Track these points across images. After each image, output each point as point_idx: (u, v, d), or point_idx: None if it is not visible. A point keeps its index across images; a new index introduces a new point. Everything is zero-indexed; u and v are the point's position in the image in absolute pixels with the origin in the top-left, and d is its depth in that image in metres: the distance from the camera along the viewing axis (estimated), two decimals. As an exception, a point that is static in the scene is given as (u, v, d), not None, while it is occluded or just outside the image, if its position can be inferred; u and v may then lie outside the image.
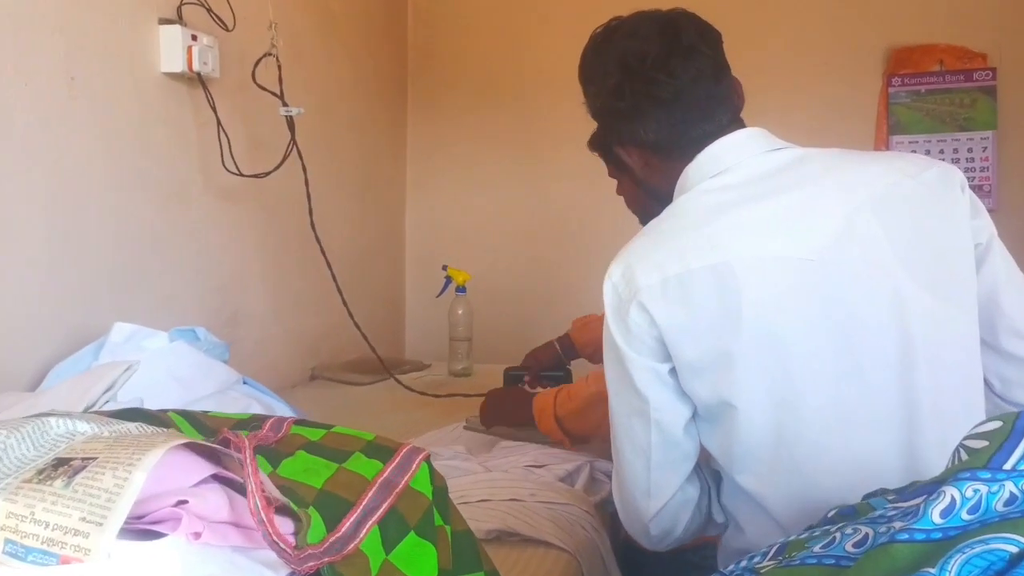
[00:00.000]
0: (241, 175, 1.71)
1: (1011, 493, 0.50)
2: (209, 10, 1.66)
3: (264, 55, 1.72)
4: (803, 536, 0.61)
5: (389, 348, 2.08)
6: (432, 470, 0.69)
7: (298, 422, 0.73)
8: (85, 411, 0.89)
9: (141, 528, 0.46)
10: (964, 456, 0.54)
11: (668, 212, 0.96)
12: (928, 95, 2.34)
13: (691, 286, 0.87)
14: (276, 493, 0.54)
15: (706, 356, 0.87)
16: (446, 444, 1.45)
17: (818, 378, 0.86)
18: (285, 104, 1.74)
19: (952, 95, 2.32)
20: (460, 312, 2.13)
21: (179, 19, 1.61)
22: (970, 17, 2.32)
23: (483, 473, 1.26)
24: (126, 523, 0.44)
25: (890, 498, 0.63)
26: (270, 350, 1.98)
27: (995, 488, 0.50)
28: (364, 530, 0.59)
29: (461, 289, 2.13)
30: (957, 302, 0.88)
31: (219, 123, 1.68)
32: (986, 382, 0.91)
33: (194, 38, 1.61)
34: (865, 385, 0.86)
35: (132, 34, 1.54)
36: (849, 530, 0.56)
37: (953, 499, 0.50)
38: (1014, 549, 0.47)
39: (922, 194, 0.89)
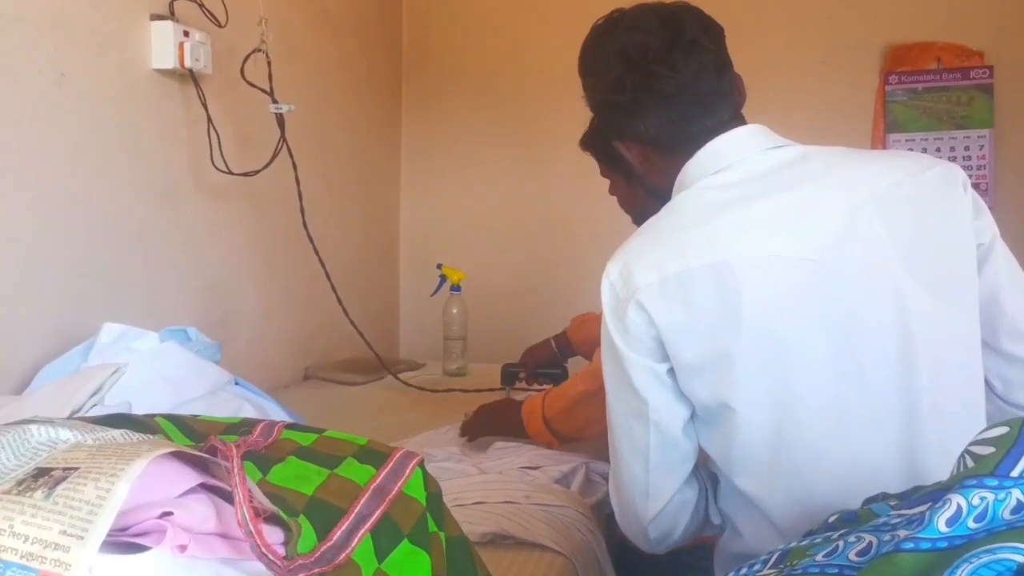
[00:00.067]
0: (231, 173, 1.69)
1: (1018, 501, 0.49)
2: (201, 6, 1.65)
3: (253, 51, 1.70)
4: (804, 543, 0.60)
5: (383, 347, 2.07)
6: (426, 475, 0.67)
7: (289, 426, 0.72)
8: (71, 416, 0.88)
9: (124, 541, 0.45)
10: (969, 462, 0.52)
11: (667, 210, 0.94)
12: (925, 93, 2.34)
13: (690, 285, 0.85)
14: (265, 502, 0.52)
15: (705, 356, 0.86)
16: (440, 445, 1.44)
17: (818, 379, 0.85)
18: (275, 101, 1.73)
19: (949, 93, 2.32)
20: (455, 311, 2.11)
21: (171, 15, 1.60)
22: (968, 15, 2.31)
23: (477, 475, 1.25)
24: (109, 536, 0.42)
25: (892, 504, 0.62)
26: (262, 350, 1.97)
27: (1002, 496, 0.49)
28: (356, 538, 0.58)
29: (456, 288, 2.12)
30: (959, 302, 0.87)
31: (210, 120, 1.67)
32: (987, 384, 0.90)
33: (186, 34, 1.60)
34: (865, 385, 0.85)
35: (123, 30, 1.52)
36: (852, 538, 0.55)
37: (959, 507, 0.49)
38: (1022, 559, 0.46)
39: (924, 193, 0.88)
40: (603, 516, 1.22)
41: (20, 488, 0.44)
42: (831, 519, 0.66)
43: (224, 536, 0.49)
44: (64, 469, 0.44)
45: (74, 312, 1.41)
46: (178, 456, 0.50)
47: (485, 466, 1.31)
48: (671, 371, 0.90)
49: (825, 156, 0.92)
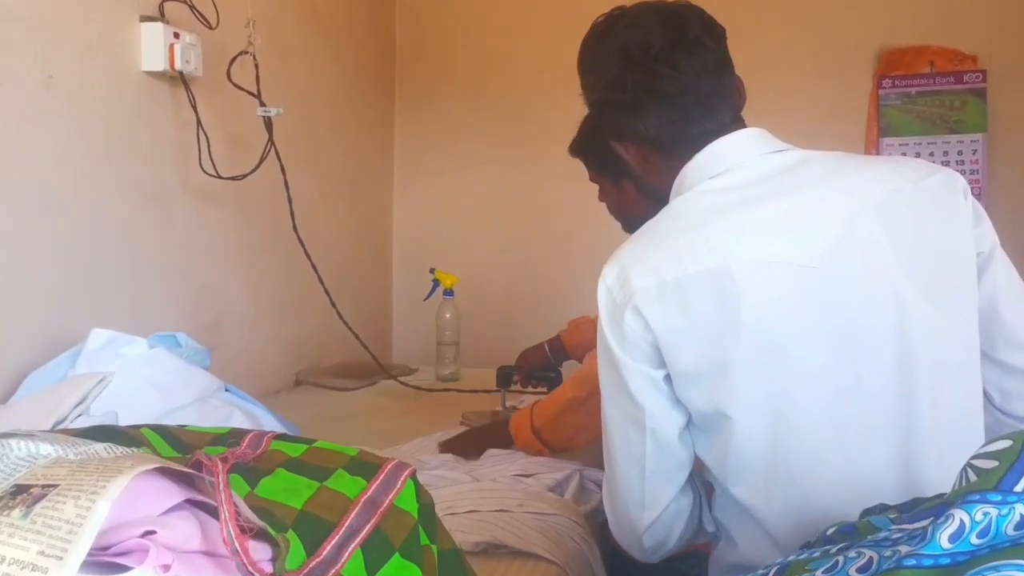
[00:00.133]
0: (219, 177, 1.68)
1: (1022, 516, 0.48)
2: (192, 7, 1.63)
3: (239, 54, 1.68)
4: (803, 557, 0.59)
5: (376, 352, 2.05)
6: (418, 487, 0.66)
7: (278, 437, 0.71)
8: (55, 427, 0.86)
9: (105, 561, 0.43)
10: (972, 476, 0.51)
11: (664, 213, 0.93)
12: (919, 97, 2.34)
13: (688, 290, 0.84)
14: (252, 517, 0.51)
15: (702, 363, 0.85)
16: (433, 452, 1.43)
17: (816, 385, 0.84)
18: (263, 104, 1.71)
19: (943, 97, 2.32)
20: (448, 316, 2.10)
21: (161, 16, 1.58)
22: (961, 19, 2.31)
23: (470, 483, 1.24)
24: (89, 555, 0.41)
25: (892, 516, 0.61)
26: (253, 355, 1.95)
27: (1005, 511, 0.48)
28: (346, 553, 0.57)
29: (449, 292, 2.11)
30: (958, 310, 0.86)
31: (199, 123, 1.65)
32: (985, 395, 0.90)
33: (176, 36, 1.58)
34: (863, 393, 0.84)
35: (112, 31, 1.50)
36: (852, 553, 0.54)
37: (962, 523, 0.48)
38: (1026, 576, 0.45)
39: (925, 200, 0.87)
40: (597, 524, 1.21)
41: (-3, 506, 0.42)
42: (829, 532, 0.65)
43: (210, 554, 0.47)
44: (43, 486, 0.43)
45: (62, 317, 1.39)
46: (162, 471, 0.48)
47: (478, 473, 1.30)
48: (667, 377, 0.89)
49: (825, 161, 0.91)
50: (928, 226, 0.86)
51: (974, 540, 0.48)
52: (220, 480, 0.47)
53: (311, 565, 0.53)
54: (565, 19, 2.40)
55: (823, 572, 0.54)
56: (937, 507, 0.51)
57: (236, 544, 0.45)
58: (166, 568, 0.43)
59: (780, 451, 0.86)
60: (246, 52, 1.68)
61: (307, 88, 2.18)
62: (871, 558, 0.52)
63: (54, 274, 1.39)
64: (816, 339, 0.84)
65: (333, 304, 1.87)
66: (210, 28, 1.66)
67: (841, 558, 0.54)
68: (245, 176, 1.69)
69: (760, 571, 0.62)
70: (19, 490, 0.43)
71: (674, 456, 0.92)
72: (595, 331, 0.94)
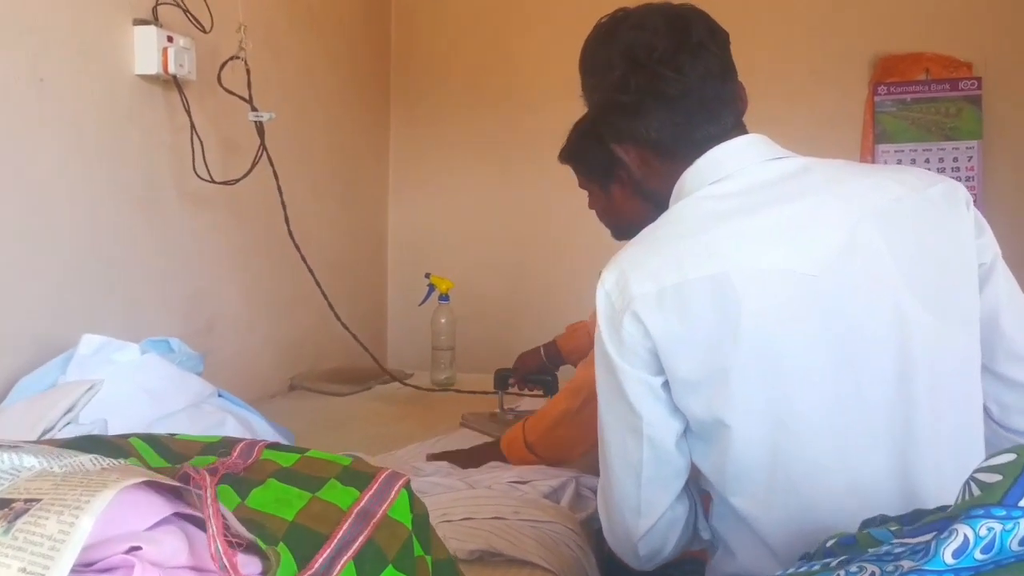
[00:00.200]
0: (213, 181, 1.66)
1: (1026, 531, 0.47)
2: (186, 11, 1.62)
3: (229, 59, 1.67)
4: (802, 570, 0.58)
5: (370, 358, 2.04)
6: (412, 497, 0.65)
7: (270, 446, 0.69)
8: (42, 436, 0.84)
9: (90, 577, 0.42)
10: (975, 490, 0.51)
11: (664, 219, 0.92)
12: (914, 104, 2.34)
13: (688, 297, 0.83)
14: (242, 530, 0.50)
15: (701, 370, 0.84)
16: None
17: (816, 394, 0.83)
18: (254, 109, 1.70)
19: (938, 104, 2.32)
20: (443, 321, 2.09)
21: (155, 20, 1.57)
22: (956, 26, 2.31)
23: (466, 490, 1.23)
24: (73, 572, 0.40)
25: (893, 528, 0.60)
26: (247, 360, 1.93)
27: (1010, 526, 0.47)
28: (339, 566, 0.56)
29: (444, 297, 2.09)
30: (959, 321, 0.85)
31: (193, 127, 1.64)
32: (984, 408, 0.89)
33: (170, 39, 1.57)
34: (862, 401, 0.83)
35: (105, 35, 1.49)
36: (854, 568, 0.53)
37: (966, 538, 0.47)
38: (1032, 593, 0.44)
39: (926, 210, 0.86)
40: (592, 532, 1.20)
41: (-22, 521, 0.41)
42: (829, 543, 0.64)
43: (197, 569, 0.46)
44: (26, 501, 0.42)
45: (53, 322, 1.38)
46: (149, 485, 0.47)
47: (473, 480, 1.29)
48: (665, 384, 0.88)
49: (826, 169, 0.90)
50: (929, 236, 0.86)
51: (978, 555, 0.47)
52: (208, 494, 0.46)
53: (302, 579, 0.52)
54: (560, 21, 2.40)
55: (824, 587, 0.53)
56: (940, 521, 0.50)
57: (224, 560, 0.44)
58: (152, 584, 0.42)
59: (780, 459, 0.85)
60: (236, 57, 1.67)
61: (301, 89, 2.17)
62: (873, 573, 0.51)
63: (46, 278, 1.37)
64: (816, 347, 0.83)
65: (331, 306, 1.85)
66: (204, 32, 1.65)
67: (842, 572, 0.53)
68: (238, 180, 1.68)
69: (759, 584, 0.61)
70: (1, 505, 0.42)
71: (671, 464, 0.91)
72: (590, 337, 0.93)
